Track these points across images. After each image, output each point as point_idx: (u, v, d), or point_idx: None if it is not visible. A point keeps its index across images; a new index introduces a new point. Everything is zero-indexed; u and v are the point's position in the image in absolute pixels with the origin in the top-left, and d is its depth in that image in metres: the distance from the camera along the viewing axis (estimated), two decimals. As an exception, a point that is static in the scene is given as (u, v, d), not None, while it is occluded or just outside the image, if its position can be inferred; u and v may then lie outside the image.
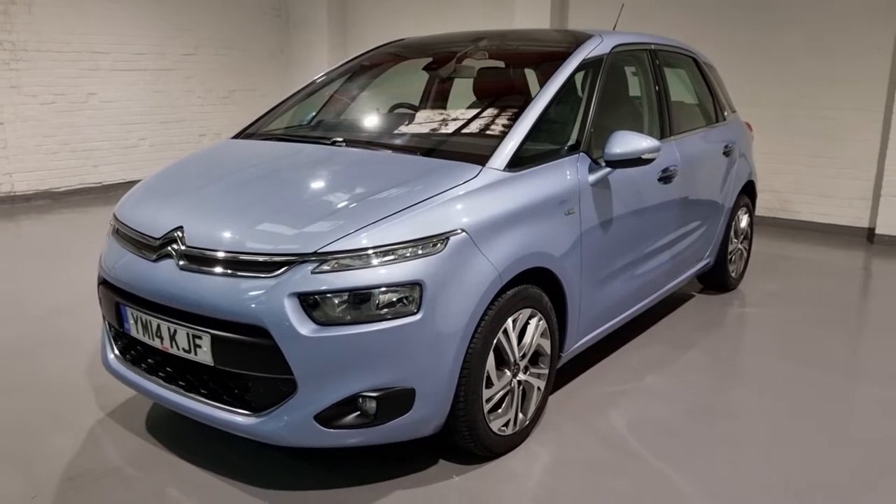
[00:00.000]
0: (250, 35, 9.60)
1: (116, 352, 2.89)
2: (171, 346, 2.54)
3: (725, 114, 4.78)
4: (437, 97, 4.16)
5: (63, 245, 6.16)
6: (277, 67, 10.01)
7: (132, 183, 8.48)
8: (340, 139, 3.22)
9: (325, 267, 2.33)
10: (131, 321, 2.68)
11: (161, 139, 8.83)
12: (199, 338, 2.45)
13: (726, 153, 4.52)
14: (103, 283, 2.86)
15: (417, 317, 2.37)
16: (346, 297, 2.33)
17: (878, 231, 6.43)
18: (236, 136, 3.62)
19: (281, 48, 10.01)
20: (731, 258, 4.83)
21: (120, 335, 2.84)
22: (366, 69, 4.04)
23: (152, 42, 8.56)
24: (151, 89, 8.64)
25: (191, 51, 8.97)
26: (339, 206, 2.53)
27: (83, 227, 6.89)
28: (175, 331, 2.50)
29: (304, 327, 2.30)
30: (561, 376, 3.43)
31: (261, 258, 2.38)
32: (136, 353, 2.79)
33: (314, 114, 3.89)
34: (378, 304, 2.34)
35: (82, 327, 4.08)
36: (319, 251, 2.34)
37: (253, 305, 2.33)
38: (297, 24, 9.88)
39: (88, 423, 3.03)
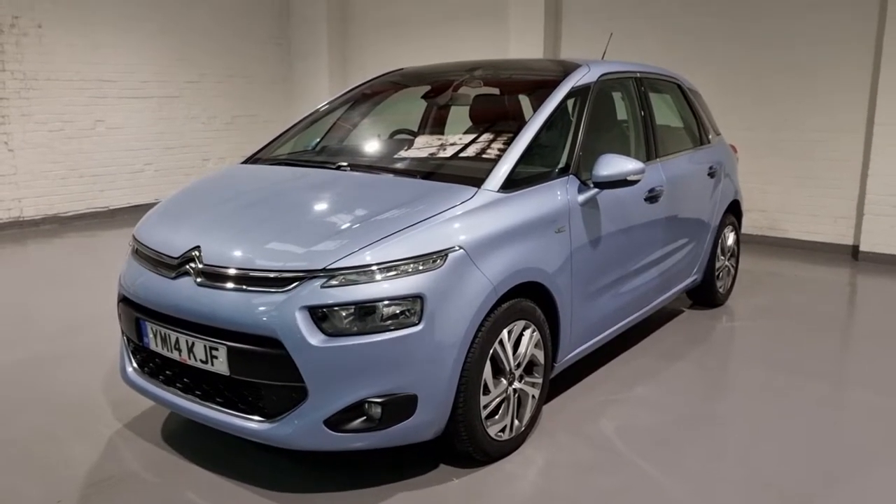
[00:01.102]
0: (253, 63, 9.89)
1: (135, 365, 3.07)
2: (189, 358, 2.72)
3: (710, 136, 5.01)
4: (435, 123, 4.39)
5: (72, 268, 6.35)
6: (279, 94, 10.28)
7: (138, 207, 8.72)
8: (345, 163, 3.43)
9: (333, 282, 2.52)
10: (151, 335, 2.86)
11: (166, 164, 9.06)
12: (216, 349, 2.63)
13: (711, 174, 4.73)
14: (123, 300, 3.05)
15: (419, 327, 2.55)
16: (352, 310, 2.51)
17: (861, 248, 6.64)
18: (245, 161, 3.82)
19: (283, 76, 10.29)
20: (718, 275, 5.02)
21: (139, 349, 3.02)
22: (367, 97, 4.26)
23: (158, 70, 8.83)
24: (157, 116, 8.89)
25: (195, 79, 9.23)
26: (346, 225, 2.72)
27: (90, 250, 7.09)
28: (193, 343, 2.69)
29: (314, 338, 2.48)
30: (554, 387, 3.61)
31: (273, 274, 2.57)
32: (153, 366, 2.97)
33: (318, 140, 4.10)
34: (382, 316, 2.53)
35: (96, 345, 4.26)
36: (328, 267, 2.53)
37: (266, 318, 2.52)
38: (299, 53, 10.18)
39: (107, 434, 3.20)
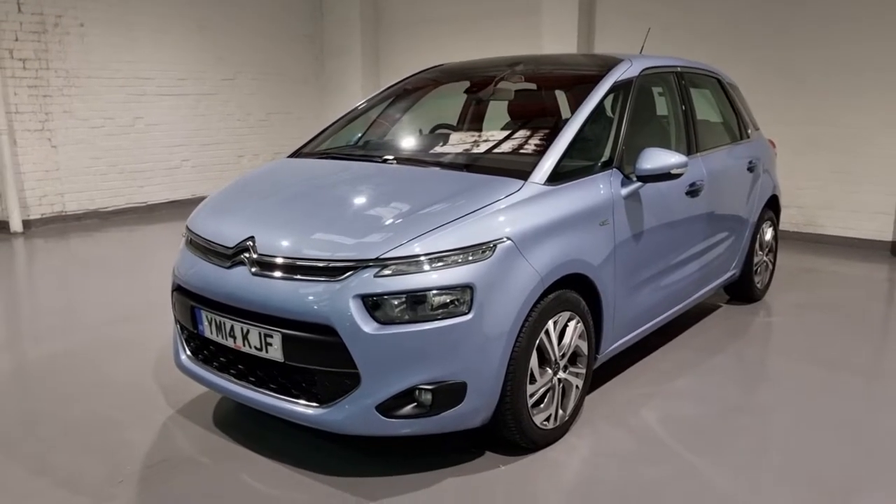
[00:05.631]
0: (286, 61, 10.02)
1: (188, 352, 3.16)
2: (244, 345, 2.80)
3: (749, 131, 4.99)
4: (477, 118, 4.42)
5: (115, 261, 6.50)
6: (312, 92, 10.40)
7: (175, 202, 8.88)
8: (390, 157, 3.49)
9: (386, 272, 2.58)
10: (205, 323, 2.94)
11: (202, 160, 9.22)
12: (271, 336, 2.70)
13: (750, 169, 4.73)
14: (178, 289, 3.14)
15: (468, 316, 2.61)
16: (404, 299, 2.57)
17: (901, 244, 6.57)
18: (291, 156, 3.90)
19: (315, 74, 10.41)
20: (756, 270, 5.01)
21: (192, 337, 3.11)
22: (408, 93, 4.32)
23: (194, 68, 8.99)
24: (193, 113, 9.05)
25: (230, 76, 9.38)
26: (398, 216, 2.78)
27: (131, 244, 7.25)
28: (248, 331, 2.77)
29: (368, 326, 2.54)
30: (596, 379, 3.64)
31: (327, 264, 2.64)
32: (207, 353, 3.06)
33: (360, 134, 4.17)
34: (433, 305, 2.58)
35: (142, 334, 4.38)
36: (381, 257, 2.59)
37: (321, 307, 2.58)
38: (332, 51, 10.29)
39: (160, 419, 3.30)
